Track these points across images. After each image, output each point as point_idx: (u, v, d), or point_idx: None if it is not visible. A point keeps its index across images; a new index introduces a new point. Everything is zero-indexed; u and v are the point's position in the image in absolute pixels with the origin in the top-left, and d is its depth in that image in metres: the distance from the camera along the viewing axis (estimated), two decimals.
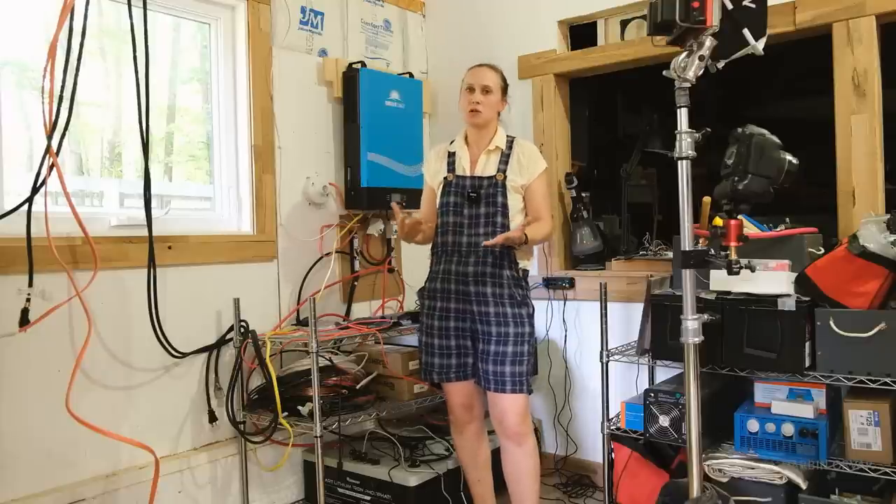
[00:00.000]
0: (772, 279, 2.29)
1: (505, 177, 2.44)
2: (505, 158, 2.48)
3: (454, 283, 2.45)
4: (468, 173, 2.49)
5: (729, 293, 2.36)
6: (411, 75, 3.52)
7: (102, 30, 2.63)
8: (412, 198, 3.14)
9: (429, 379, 2.57)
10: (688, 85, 1.82)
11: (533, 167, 2.47)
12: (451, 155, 2.55)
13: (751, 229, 2.45)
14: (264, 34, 2.99)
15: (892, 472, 2.12)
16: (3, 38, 2.35)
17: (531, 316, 2.46)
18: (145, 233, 2.49)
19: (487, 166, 2.48)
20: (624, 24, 3.24)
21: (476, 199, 2.44)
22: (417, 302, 3.38)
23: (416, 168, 3.32)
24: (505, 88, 2.54)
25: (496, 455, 2.69)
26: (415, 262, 3.61)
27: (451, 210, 2.48)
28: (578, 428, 3.31)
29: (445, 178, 2.52)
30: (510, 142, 2.51)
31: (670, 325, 2.44)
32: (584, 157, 3.61)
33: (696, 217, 2.34)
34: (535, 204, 2.48)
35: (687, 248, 1.87)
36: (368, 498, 2.82)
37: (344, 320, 3.05)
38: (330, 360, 2.78)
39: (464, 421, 2.57)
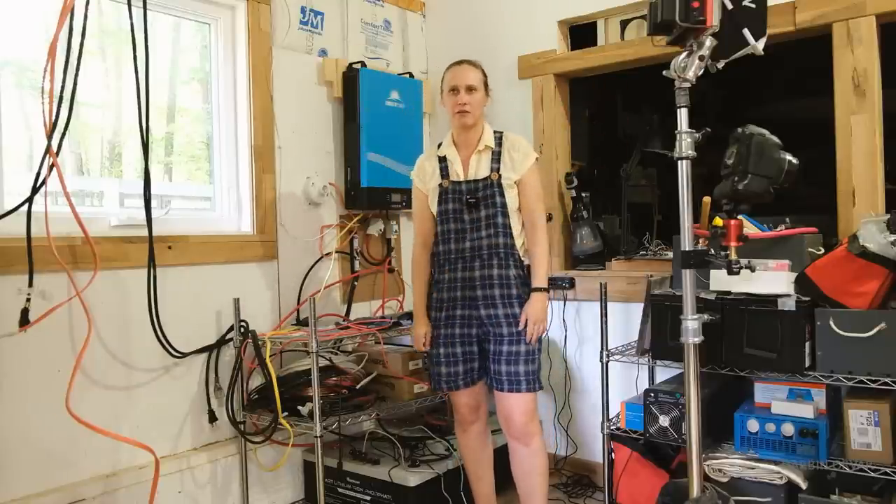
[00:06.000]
0: (772, 279, 2.29)
1: (500, 175, 2.43)
2: (496, 156, 2.45)
3: (460, 290, 2.45)
4: (462, 178, 2.47)
5: (729, 293, 2.36)
6: (411, 75, 3.52)
7: (102, 30, 2.63)
8: (411, 198, 3.14)
9: (438, 389, 2.59)
10: (688, 85, 1.82)
11: (523, 161, 2.44)
12: (443, 160, 2.51)
13: (751, 229, 2.45)
14: (264, 34, 2.99)
15: (892, 472, 2.12)
16: (3, 38, 2.35)
17: None
18: (145, 233, 2.49)
19: (480, 167, 2.46)
20: (624, 24, 3.24)
21: (475, 203, 2.43)
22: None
23: None
24: (486, 82, 2.50)
25: (498, 454, 2.69)
26: None
27: (451, 217, 2.47)
28: (578, 428, 3.31)
29: (441, 185, 2.48)
30: (499, 138, 2.48)
31: (670, 325, 2.44)
32: (584, 157, 3.60)
33: (696, 217, 2.34)
34: (528, 201, 2.45)
35: (687, 248, 1.87)
36: (368, 498, 2.82)
37: (344, 320, 3.04)
38: (330, 360, 2.78)
39: (469, 420, 2.58)
